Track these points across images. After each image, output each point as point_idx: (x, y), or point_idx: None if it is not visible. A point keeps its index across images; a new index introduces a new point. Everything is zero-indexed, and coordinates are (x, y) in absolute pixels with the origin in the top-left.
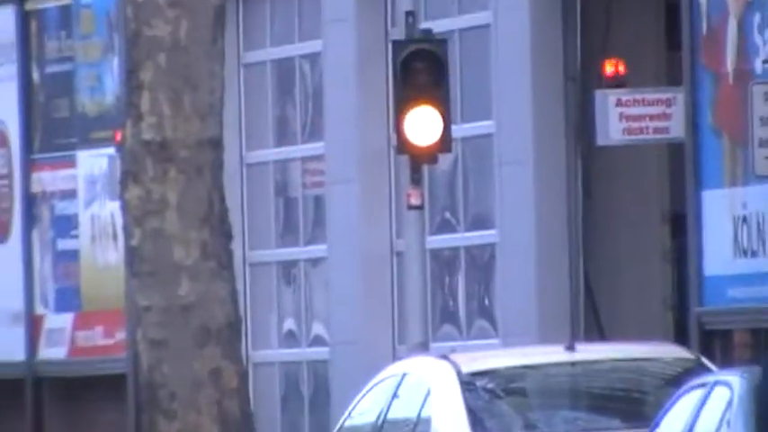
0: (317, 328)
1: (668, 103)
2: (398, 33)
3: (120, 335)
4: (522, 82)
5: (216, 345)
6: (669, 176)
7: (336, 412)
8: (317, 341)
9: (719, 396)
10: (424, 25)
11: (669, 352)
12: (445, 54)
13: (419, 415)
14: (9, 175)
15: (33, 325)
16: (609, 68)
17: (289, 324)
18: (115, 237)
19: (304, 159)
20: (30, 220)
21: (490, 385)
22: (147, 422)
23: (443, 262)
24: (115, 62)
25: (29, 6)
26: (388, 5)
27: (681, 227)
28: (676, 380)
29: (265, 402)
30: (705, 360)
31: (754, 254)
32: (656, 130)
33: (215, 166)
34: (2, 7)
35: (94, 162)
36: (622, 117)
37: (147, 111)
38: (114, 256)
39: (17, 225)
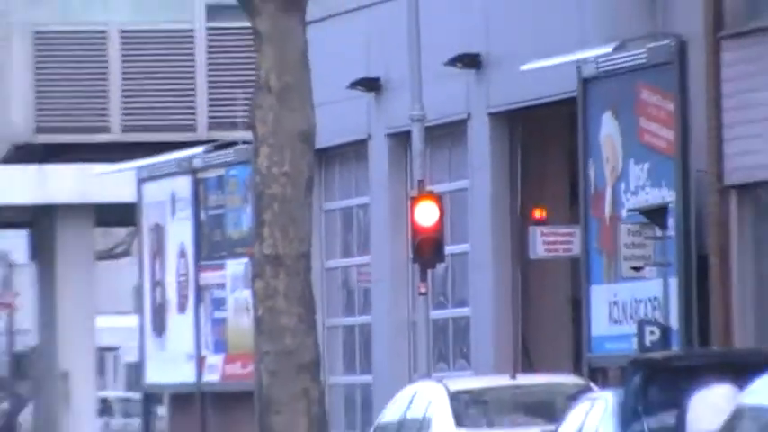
0: (365, 365)
1: (571, 234)
2: (414, 193)
3: (250, 368)
4: (486, 220)
5: (306, 374)
6: (571, 276)
7: (375, 416)
8: (365, 371)
9: (600, 406)
10: (429, 187)
11: (571, 380)
12: (442, 205)
13: (424, 416)
14: (187, 274)
15: (200, 361)
16: (537, 213)
17: (348, 361)
18: (247, 310)
19: (358, 265)
20: (198, 300)
21: (466, 398)
22: (265, 420)
23: (439, 326)
24: (248, 208)
25: (199, 176)
26: (407, 176)
27: (578, 306)
28: (574, 396)
29: (335, 409)
30: (592, 384)
31: (620, 323)
32: (564, 250)
33: (306, 270)
34: (184, 176)
35: (236, 267)
36: (544, 242)
37: (268, 237)
38: (247, 321)
39: (191, 303)
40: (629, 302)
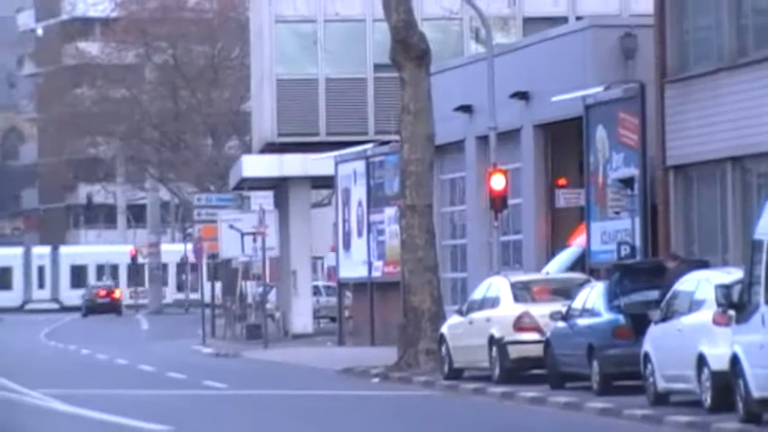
0: (463, 267)
1: (580, 193)
2: (490, 169)
3: (398, 269)
4: (530, 186)
5: (430, 272)
6: (578, 219)
7: (468, 297)
8: (463, 270)
9: (596, 290)
10: (499, 167)
11: (580, 276)
12: (507, 176)
13: (496, 296)
14: (362, 215)
15: (369, 265)
16: (561, 182)
17: (453, 265)
18: (397, 236)
19: (459, 211)
20: (369, 230)
21: (520, 285)
22: (406, 297)
23: (504, 245)
24: (397, 179)
25: (370, 160)
26: (487, 161)
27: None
28: (582, 284)
29: (446, 293)
30: (591, 278)
31: (606, 244)
32: (576, 202)
33: (430, 213)
34: (361, 160)
35: (391, 212)
36: (564, 198)
37: (408, 195)
38: (396, 242)
39: (365, 232)
40: (612, 232)
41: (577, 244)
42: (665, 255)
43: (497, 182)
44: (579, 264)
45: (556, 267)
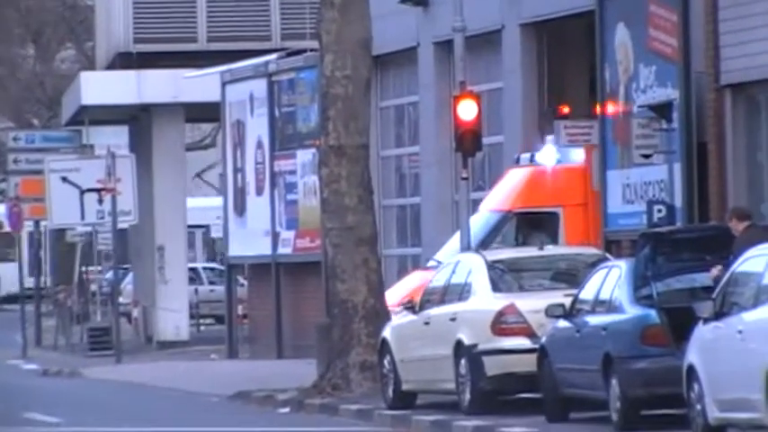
0: (415, 240)
1: (590, 127)
2: (456, 92)
3: (317, 242)
4: (517, 115)
5: (365, 246)
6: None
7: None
8: (415, 244)
9: (615, 273)
10: (469, 88)
11: (591, 251)
12: (480, 103)
13: (466, 282)
14: (263, 162)
15: (275, 237)
16: (563, 109)
17: (400, 236)
18: (315, 193)
19: (409, 154)
20: (273, 184)
21: (501, 266)
22: (331, 285)
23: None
24: (315, 107)
25: (273, 79)
26: (451, 78)
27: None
28: (594, 263)
29: (389, 278)
30: (608, 255)
31: (631, 203)
32: (584, 140)
33: (365, 158)
34: (261, 79)
35: (305, 156)
36: (567, 134)
37: (332, 130)
38: (314, 201)
39: (267, 187)
40: (640, 185)
41: (493, 207)
42: (730, 214)
43: (467, 110)
44: (500, 240)
45: (450, 255)
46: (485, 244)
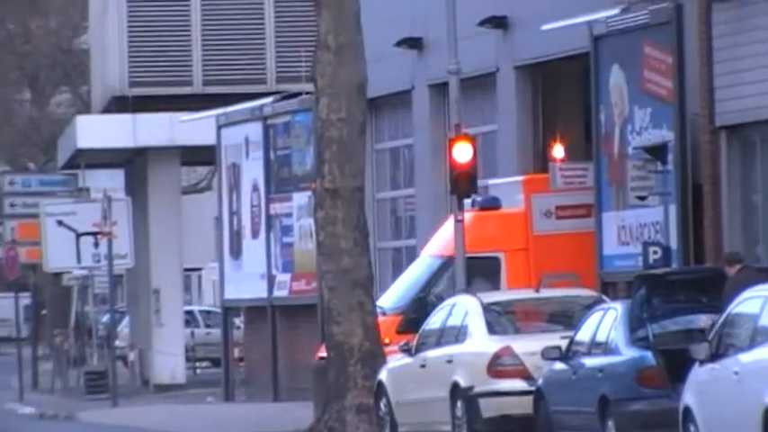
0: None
1: (585, 169)
2: (451, 134)
3: (313, 284)
4: (512, 157)
5: (360, 289)
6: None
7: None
8: None
9: (611, 315)
10: (464, 130)
11: (587, 293)
12: (475, 145)
13: (462, 324)
14: (259, 205)
15: (271, 280)
16: (557, 151)
17: (396, 278)
18: (310, 235)
19: (404, 197)
20: (269, 227)
21: (497, 309)
22: (326, 327)
23: None
24: (311, 149)
25: (269, 122)
26: (446, 121)
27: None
28: (590, 306)
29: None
30: (604, 297)
31: (627, 244)
32: (580, 182)
33: (360, 201)
34: (256, 122)
35: (301, 199)
36: (562, 176)
37: (327, 173)
38: (310, 244)
39: (263, 230)
40: (635, 227)
41: (434, 253)
42: (722, 259)
43: (462, 152)
44: (445, 287)
45: (393, 300)
46: (426, 289)
